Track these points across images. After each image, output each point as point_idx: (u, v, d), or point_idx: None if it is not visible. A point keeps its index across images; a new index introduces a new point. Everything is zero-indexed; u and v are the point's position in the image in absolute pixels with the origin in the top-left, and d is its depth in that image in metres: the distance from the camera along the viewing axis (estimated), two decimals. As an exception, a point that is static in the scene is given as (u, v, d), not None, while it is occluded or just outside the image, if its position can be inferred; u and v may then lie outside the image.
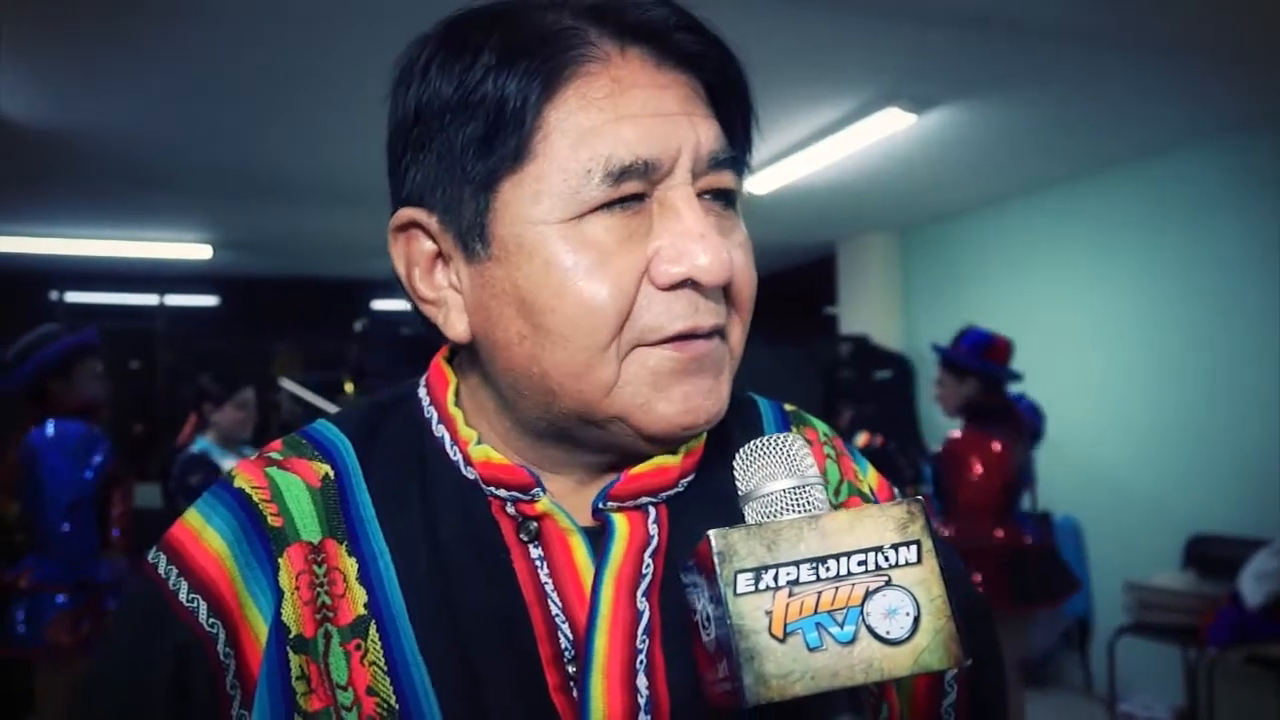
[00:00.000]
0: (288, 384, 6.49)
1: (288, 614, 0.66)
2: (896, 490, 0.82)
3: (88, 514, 3.36)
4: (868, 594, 0.53)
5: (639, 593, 0.67)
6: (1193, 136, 4.66)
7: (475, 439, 0.71)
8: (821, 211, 6.18)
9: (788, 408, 0.84)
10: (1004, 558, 3.69)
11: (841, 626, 0.52)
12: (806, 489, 0.58)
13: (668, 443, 0.68)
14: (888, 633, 0.52)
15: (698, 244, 0.64)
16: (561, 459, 0.72)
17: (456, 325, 0.70)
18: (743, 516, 0.59)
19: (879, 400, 6.50)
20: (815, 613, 0.52)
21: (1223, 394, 4.58)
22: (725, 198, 0.69)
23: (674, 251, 0.64)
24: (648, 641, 0.66)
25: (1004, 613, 3.45)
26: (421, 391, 0.77)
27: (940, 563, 0.54)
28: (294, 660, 0.65)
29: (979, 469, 3.68)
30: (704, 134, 0.66)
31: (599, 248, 0.64)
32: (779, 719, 0.54)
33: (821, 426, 0.83)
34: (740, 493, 0.60)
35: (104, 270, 8.06)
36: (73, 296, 8.65)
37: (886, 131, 4.39)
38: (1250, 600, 3.82)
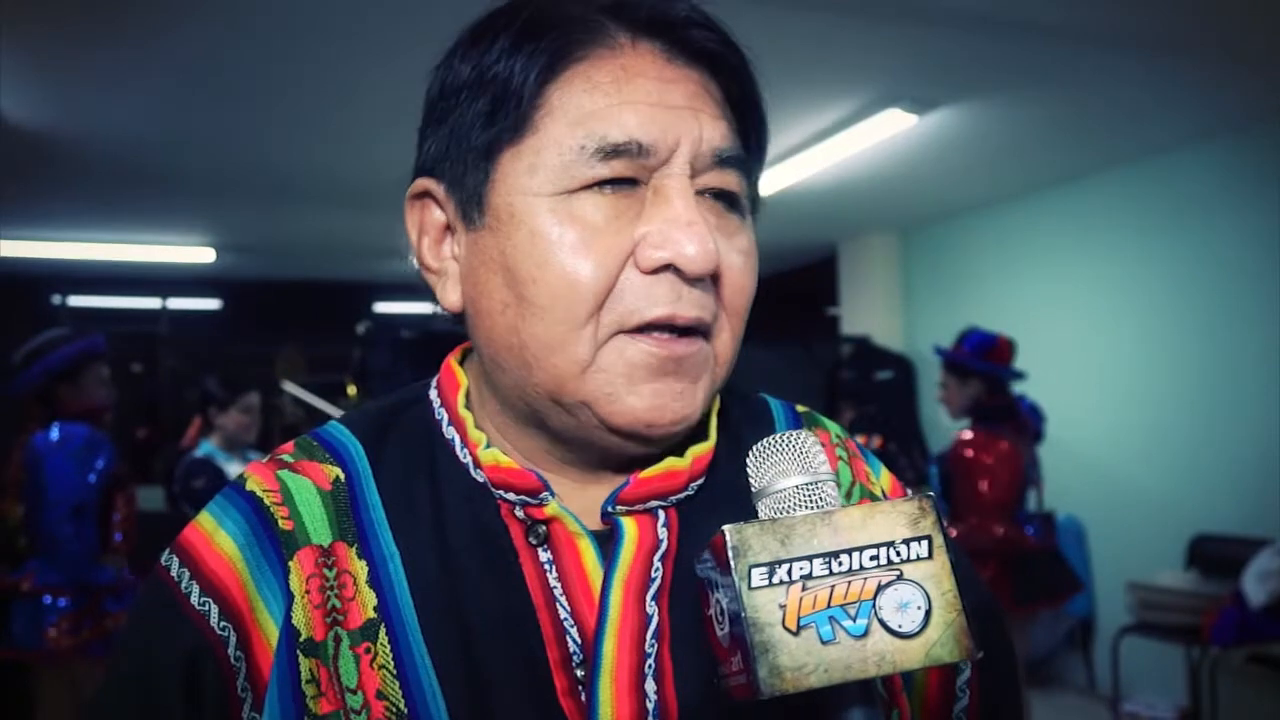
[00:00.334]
0: (289, 387, 6.50)
1: (298, 617, 0.66)
2: (909, 491, 0.82)
3: (90, 518, 3.36)
4: (880, 588, 0.54)
5: (648, 597, 0.67)
6: (1193, 136, 4.66)
7: (484, 442, 0.71)
8: (823, 212, 6.18)
9: (800, 409, 0.84)
10: (1007, 558, 3.70)
11: (854, 620, 0.53)
12: (819, 485, 0.59)
13: (632, 439, 0.67)
14: (900, 626, 0.53)
15: (684, 231, 0.64)
16: (555, 455, 0.72)
17: (450, 295, 0.71)
18: (755, 516, 0.60)
19: (880, 401, 6.50)
20: (828, 606, 0.53)
21: (1226, 394, 4.58)
22: (728, 199, 0.69)
23: (659, 236, 0.64)
24: (656, 646, 0.66)
25: (1007, 613, 3.44)
26: (433, 393, 0.77)
27: (951, 558, 0.55)
28: (304, 664, 0.65)
29: (993, 469, 3.68)
30: (708, 130, 0.66)
31: (586, 224, 0.64)
32: (793, 711, 0.54)
33: (834, 428, 0.83)
34: (754, 489, 0.61)
35: (107, 274, 8.05)
36: (75, 300, 8.64)
37: (888, 132, 4.39)
38: (1253, 600, 3.81)
